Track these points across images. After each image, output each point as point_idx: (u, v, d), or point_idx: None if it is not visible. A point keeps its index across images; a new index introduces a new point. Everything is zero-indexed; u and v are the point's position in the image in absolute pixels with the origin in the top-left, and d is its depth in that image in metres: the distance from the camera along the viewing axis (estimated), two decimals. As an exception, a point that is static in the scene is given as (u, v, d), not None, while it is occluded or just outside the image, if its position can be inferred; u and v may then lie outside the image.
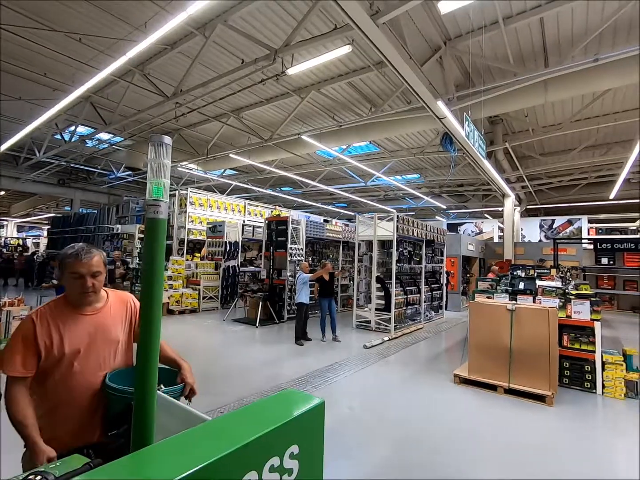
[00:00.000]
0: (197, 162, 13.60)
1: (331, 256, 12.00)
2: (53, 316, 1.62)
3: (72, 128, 11.19)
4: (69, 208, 19.72)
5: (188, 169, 13.97)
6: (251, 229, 12.61)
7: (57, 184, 17.87)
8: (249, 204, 15.52)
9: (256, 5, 6.03)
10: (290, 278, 9.71)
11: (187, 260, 12.05)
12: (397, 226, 8.70)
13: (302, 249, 10.12)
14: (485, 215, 22.00)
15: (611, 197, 14.65)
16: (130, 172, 15.80)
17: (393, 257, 8.53)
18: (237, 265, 11.55)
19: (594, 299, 5.11)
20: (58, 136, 12.09)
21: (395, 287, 8.75)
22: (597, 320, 4.94)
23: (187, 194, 13.37)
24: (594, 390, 4.88)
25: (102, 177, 17.58)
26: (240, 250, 11.86)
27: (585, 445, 3.58)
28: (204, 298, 10.91)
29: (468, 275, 15.17)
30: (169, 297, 9.96)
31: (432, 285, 11.08)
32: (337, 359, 6.25)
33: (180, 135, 12.31)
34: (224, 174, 16.33)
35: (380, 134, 9.95)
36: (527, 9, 6.02)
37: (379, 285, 8.67)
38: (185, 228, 13.10)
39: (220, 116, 10.67)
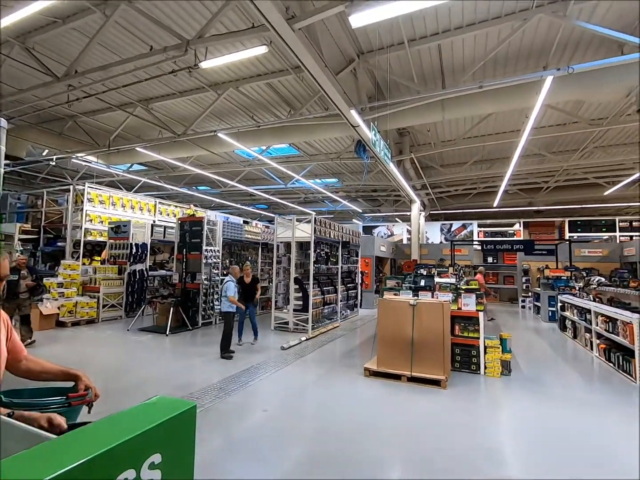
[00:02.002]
0: (97, 154, 12.12)
1: (250, 258, 11.77)
2: None
3: None
4: None
5: (85, 161, 12.37)
6: (162, 229, 11.69)
7: None
8: (160, 202, 14.37)
9: (166, -11, 5.64)
10: (205, 282, 9.26)
11: (83, 264, 10.66)
12: (315, 228, 8.93)
13: (218, 250, 9.73)
14: (396, 219, 23.86)
15: (494, 205, 17.14)
16: (8, 162, 13.37)
17: (311, 259, 8.73)
18: (145, 269, 10.60)
19: (479, 292, 5.91)
20: None
21: (313, 288, 8.96)
22: (481, 310, 5.73)
23: (84, 189, 11.82)
24: (478, 372, 5.64)
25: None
26: (148, 253, 10.90)
27: (471, 419, 4.10)
28: (104, 306, 9.76)
29: (381, 275, 16.26)
30: (59, 308, 8.66)
31: (348, 285, 11.62)
32: (253, 362, 6.14)
33: (76, 122, 10.86)
34: (130, 169, 14.86)
35: (299, 137, 10.10)
36: (428, 34, 6.72)
37: (297, 286, 8.78)
38: (81, 228, 11.56)
39: (126, 105, 9.70)
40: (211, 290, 9.45)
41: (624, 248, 15.83)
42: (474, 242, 18.85)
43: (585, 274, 11.29)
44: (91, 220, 11.90)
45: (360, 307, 12.88)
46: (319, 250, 9.40)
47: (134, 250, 10.44)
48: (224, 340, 6.55)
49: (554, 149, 12.20)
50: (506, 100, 7.59)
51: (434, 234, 22.57)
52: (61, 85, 7.37)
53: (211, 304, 9.43)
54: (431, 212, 20.03)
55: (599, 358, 6.86)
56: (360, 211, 21.15)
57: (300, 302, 8.81)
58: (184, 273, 9.26)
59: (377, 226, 24.99)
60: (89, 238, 11.91)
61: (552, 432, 3.82)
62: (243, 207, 22.17)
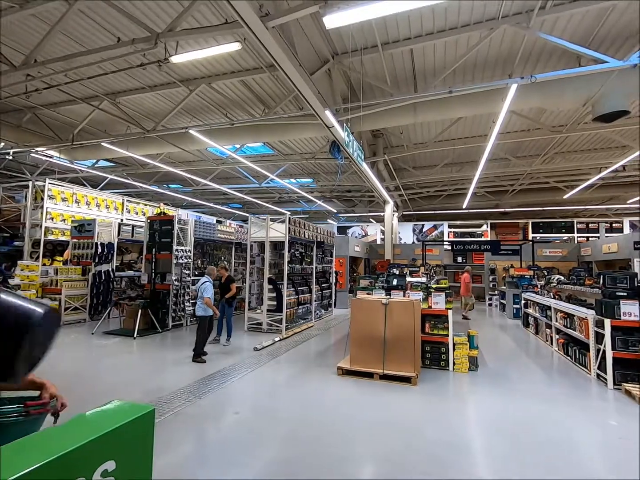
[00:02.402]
0: (59, 148, 11.51)
1: (223, 258, 11.56)
2: None
3: None
4: None
5: (46, 155, 11.71)
6: (130, 228, 11.26)
7: None
8: (128, 200, 13.82)
9: (134, -20, 5.44)
10: (176, 282, 9.00)
11: (44, 265, 10.08)
12: (289, 228, 8.89)
13: (189, 250, 9.49)
14: (370, 219, 24.21)
15: (464, 206, 17.74)
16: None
17: (285, 258, 8.69)
18: (112, 269, 10.16)
19: (448, 291, 6.10)
20: None
21: (287, 288, 8.92)
22: (450, 309, 5.92)
23: (44, 185, 11.18)
24: (448, 368, 5.82)
25: None
26: (115, 253, 10.46)
27: (440, 414, 4.23)
28: (66, 309, 9.27)
29: (355, 275, 16.42)
30: (16, 311, 8.14)
31: (323, 285, 11.66)
32: (225, 364, 6.03)
33: (36, 115, 10.26)
34: (96, 165, 14.21)
35: (274, 136, 10.03)
36: (400, 38, 6.86)
37: (271, 287, 8.71)
38: (41, 227, 10.92)
39: (91, 98, 9.26)
40: (182, 292, 9.20)
41: (581, 248, 16.84)
42: (445, 243, 19.43)
43: (546, 273, 11.91)
44: (52, 219, 11.27)
45: (335, 306, 12.96)
46: (293, 250, 9.37)
47: (99, 250, 9.99)
48: (197, 345, 6.23)
49: (518, 153, 12.78)
50: (474, 106, 7.87)
51: (406, 234, 23.07)
52: (19, 74, 6.93)
53: (182, 306, 9.18)
54: (404, 212, 20.46)
55: (558, 352, 7.26)
56: (335, 211, 21.28)
57: (274, 303, 8.75)
58: (153, 274, 8.96)
59: (352, 226, 25.24)
60: (50, 237, 11.28)
61: (515, 424, 4.00)
62: (216, 206, 21.76)
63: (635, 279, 5.42)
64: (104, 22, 6.42)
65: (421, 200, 19.32)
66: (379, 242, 22.87)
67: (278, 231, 8.91)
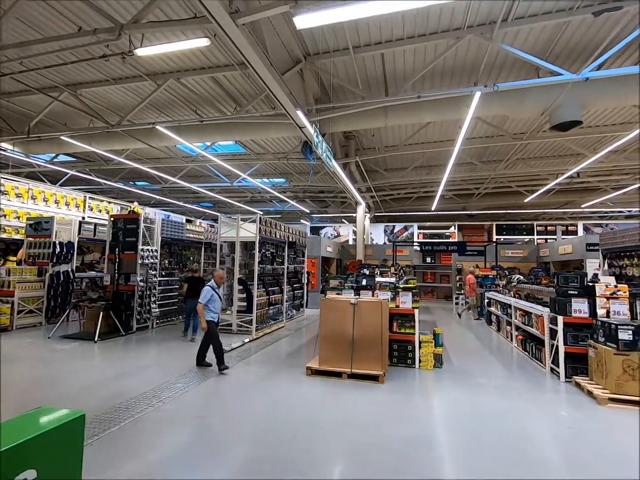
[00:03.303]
0: (13, 141, 10.80)
1: (192, 258, 11.27)
2: None
3: None
4: None
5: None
6: (92, 227, 10.74)
7: None
8: (90, 197, 13.17)
9: (96, -33, 5.20)
10: (142, 283, 8.68)
11: (-6, 265, 9.42)
12: (260, 228, 8.81)
13: (156, 250, 9.18)
14: (343, 220, 24.43)
15: (432, 208, 18.27)
16: None
17: (255, 259, 8.60)
18: (71, 270, 9.65)
19: (415, 290, 6.27)
20: None
21: (258, 288, 8.83)
22: (417, 308, 6.08)
23: (-4, 180, 10.45)
24: (414, 365, 5.98)
25: None
26: (75, 253, 9.94)
27: (406, 410, 4.33)
28: (19, 312, 8.70)
29: (327, 275, 16.49)
30: (-39, 314, 7.56)
31: (294, 285, 11.64)
32: (191, 366, 5.88)
33: (-14, 104, 9.57)
34: (55, 160, 13.44)
35: (245, 135, 9.90)
36: (372, 42, 6.97)
37: (241, 287, 8.59)
38: (-8, 224, 10.20)
39: (50, 89, 8.76)
40: (148, 293, 8.88)
41: (540, 249, 17.81)
42: (414, 243, 19.93)
43: (507, 273, 12.49)
44: (5, 216, 10.55)
45: (306, 307, 12.97)
46: (264, 251, 9.30)
47: (57, 250, 9.45)
48: (215, 351, 5.68)
49: (483, 158, 13.33)
50: (442, 111, 8.13)
51: (378, 235, 23.47)
52: (-34, 60, 6.46)
53: (148, 307, 8.87)
54: (376, 214, 20.80)
55: (517, 348, 7.63)
56: (308, 212, 21.30)
57: (245, 303, 8.64)
58: (116, 274, 8.59)
59: (324, 227, 25.37)
60: (3, 235, 10.55)
61: (475, 418, 4.17)
62: (186, 205, 21.19)
63: (585, 279, 5.81)
64: (63, 9, 6.09)
65: (392, 201, 19.71)
66: (351, 242, 23.13)
67: (249, 231, 8.80)
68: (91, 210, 13.01)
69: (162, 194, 19.02)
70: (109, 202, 13.90)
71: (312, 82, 8.04)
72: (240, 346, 7.42)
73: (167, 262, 10.13)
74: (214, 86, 8.63)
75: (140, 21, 5.38)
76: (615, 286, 5.39)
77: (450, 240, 22.21)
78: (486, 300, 10.94)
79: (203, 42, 5.61)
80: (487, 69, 7.72)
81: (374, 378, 5.20)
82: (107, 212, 13.28)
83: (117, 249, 8.69)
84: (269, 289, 9.62)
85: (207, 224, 19.12)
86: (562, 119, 7.30)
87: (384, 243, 22.50)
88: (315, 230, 24.99)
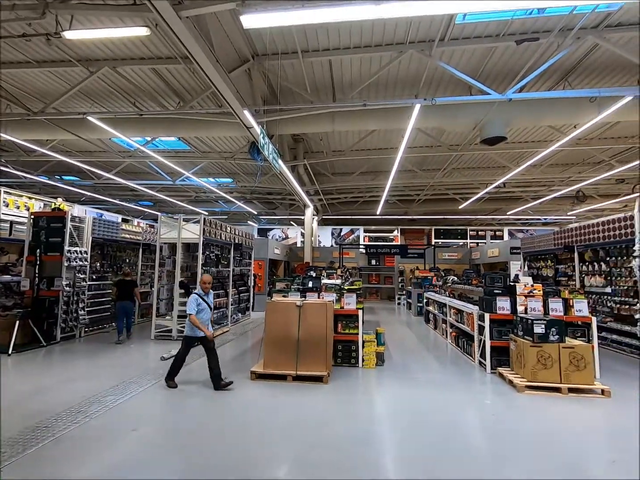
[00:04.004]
0: None
1: (128, 260, 10.50)
2: None
3: None
4: None
5: None
6: (8, 225, 9.54)
7: None
8: (6, 192, 11.67)
9: None
10: (68, 288, 7.89)
11: None
12: (204, 229, 8.49)
13: (86, 252, 8.40)
14: (291, 222, 24.42)
15: (377, 212, 19.01)
16: None
17: (199, 261, 8.26)
18: (-19, 273, 8.48)
19: (359, 292, 6.46)
20: None
21: (201, 292, 8.48)
22: (361, 308, 6.28)
23: None
24: (357, 364, 6.16)
25: None
26: (-14, 254, 8.76)
27: (349, 408, 4.44)
28: None
29: (274, 277, 16.35)
30: None
31: (240, 288, 11.38)
32: (125, 377, 5.47)
33: None
34: (-39, 148, 11.73)
35: (190, 132, 9.50)
36: (320, 49, 7.09)
37: (182, 291, 8.18)
38: None
39: (-46, 66, 7.64)
40: (75, 298, 8.10)
41: (472, 252, 19.37)
42: (360, 246, 20.56)
43: (443, 274, 13.40)
44: None
45: (253, 310, 12.75)
46: (208, 253, 8.97)
47: (-38, 251, 8.25)
48: (176, 364, 5.16)
49: (423, 166, 14.19)
50: (386, 120, 8.51)
51: (325, 237, 23.83)
52: None
53: (75, 314, 8.08)
54: (323, 216, 21.11)
55: (451, 344, 8.22)
56: (256, 213, 20.97)
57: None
58: (37, 278, 7.72)
59: (273, 229, 25.16)
60: None
61: (414, 411, 4.40)
62: (122, 203, 19.72)
63: (508, 279, 6.44)
64: (-26, -22, 5.37)
65: (340, 205, 20.15)
66: (299, 245, 23.20)
67: (192, 232, 8.44)
68: (7, 206, 11.53)
69: (95, 191, 17.49)
70: (30, 198, 12.44)
71: (261, 82, 7.96)
72: (181, 353, 7.06)
73: (98, 264, 9.33)
74: (155, 78, 8.17)
75: (69, 1, 4.93)
76: (532, 285, 6.05)
77: (394, 243, 23.27)
78: (425, 300, 11.62)
79: (142, 32, 5.30)
80: (427, 83, 8.24)
81: (318, 379, 5.26)
82: (28, 209, 11.87)
83: (38, 250, 7.81)
84: (214, 292, 9.28)
85: (147, 223, 17.97)
86: (489, 134, 8.05)
87: (332, 245, 22.90)
88: (263, 232, 24.67)
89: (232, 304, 10.31)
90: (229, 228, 10.13)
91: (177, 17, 4.44)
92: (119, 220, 13.45)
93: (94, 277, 8.99)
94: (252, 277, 12.61)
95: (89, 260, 8.46)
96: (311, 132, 10.71)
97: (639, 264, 6.94)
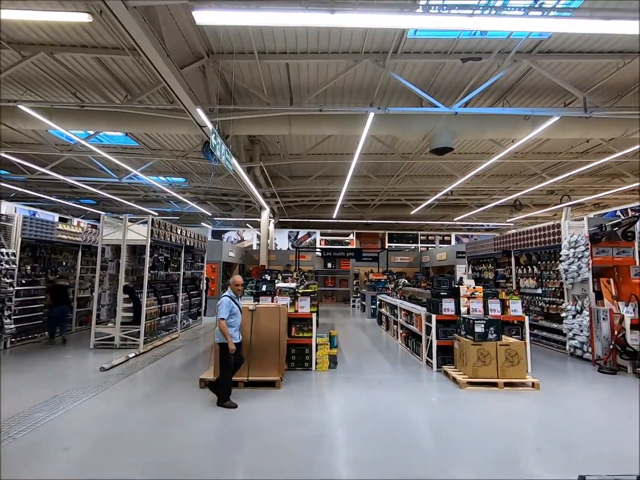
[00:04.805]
0: None
1: (65, 263, 9.66)
2: None
3: None
4: None
5: None
6: None
7: None
8: None
9: None
10: (-9, 294, 7.09)
11: None
12: (153, 230, 8.06)
13: (13, 254, 7.60)
14: (247, 224, 23.98)
15: (334, 216, 19.28)
16: None
17: (146, 264, 7.81)
18: None
19: (314, 295, 6.50)
20: None
21: (149, 297, 8.04)
22: (315, 312, 6.31)
23: None
24: (311, 368, 6.18)
25: None
26: None
27: (301, 412, 4.43)
28: None
29: (228, 281, 15.92)
30: None
31: (191, 292, 10.94)
32: (58, 391, 5.01)
33: None
34: None
35: (138, 127, 8.98)
36: (277, 51, 7.07)
37: (127, 296, 7.69)
38: None
39: None
40: (0, 306, 7.28)
41: (422, 256, 20.30)
42: (317, 249, 20.70)
43: (395, 277, 13.90)
44: None
45: (205, 315, 12.31)
46: (156, 255, 8.52)
47: None
48: (222, 384, 4.67)
49: (378, 173, 14.64)
50: (342, 126, 8.68)
51: (282, 240, 23.70)
52: None
53: (-1, 323, 7.27)
54: (280, 219, 20.98)
55: (401, 345, 8.52)
56: (210, 215, 20.32)
57: (131, 314, 7.76)
58: (-47, 283, 6.85)
59: (228, 231, 24.54)
60: None
61: (365, 411, 4.50)
62: (60, 200, 18.12)
63: (453, 282, 6.83)
64: None
65: (297, 208, 20.15)
66: (255, 247, 22.85)
67: (139, 233, 7.97)
68: None
69: (27, 187, 15.90)
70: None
71: (216, 81, 7.75)
72: (124, 362, 6.63)
73: (29, 268, 8.48)
74: (99, 69, 7.63)
75: (-2, -23, 4.47)
76: (474, 288, 6.47)
77: (349, 246, 23.72)
78: (378, 303, 11.96)
79: (84, 18, 4.93)
80: (382, 92, 8.53)
81: (271, 384, 5.19)
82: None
83: (-46, 252, 6.94)
84: (162, 297, 8.84)
85: (88, 223, 16.73)
86: (438, 144, 8.51)
87: (288, 249, 22.82)
88: (217, 234, 23.96)
89: (182, 309, 9.88)
90: (179, 230, 9.71)
91: (124, 7, 4.19)
92: (56, 219, 12.36)
93: (24, 281, 8.17)
94: (205, 281, 12.17)
95: (17, 263, 7.66)
96: (268, 135, 10.64)
97: (564, 267, 7.70)
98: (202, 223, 23.97)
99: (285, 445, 3.60)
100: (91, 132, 10.03)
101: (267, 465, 3.21)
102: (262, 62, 7.27)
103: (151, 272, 8.11)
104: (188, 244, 10.18)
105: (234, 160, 8.69)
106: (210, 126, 7.22)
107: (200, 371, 5.88)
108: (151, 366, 6.54)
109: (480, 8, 4.96)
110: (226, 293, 4.91)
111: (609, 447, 3.62)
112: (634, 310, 6.41)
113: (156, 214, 19.40)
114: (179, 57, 6.47)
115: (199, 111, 6.81)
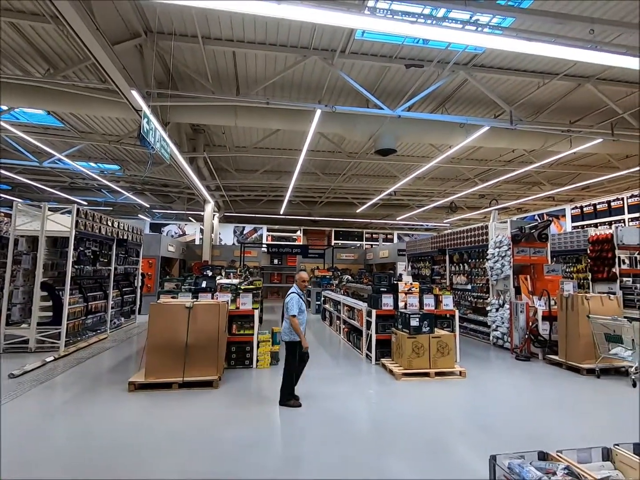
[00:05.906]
0: None
1: (-32, 256, 8.40)
2: None
3: None
4: None
5: None
6: None
7: None
8: None
9: None
10: None
11: None
12: (78, 221, 7.32)
13: None
14: (190, 218, 22.86)
15: (281, 212, 19.13)
16: None
17: (69, 258, 7.07)
18: None
19: (257, 291, 6.37)
20: None
21: (72, 294, 7.31)
22: (257, 308, 6.20)
23: None
24: (251, 365, 6.07)
25: None
26: None
27: (237, 411, 4.31)
28: None
29: (166, 277, 15.07)
30: None
31: (124, 289, 10.15)
32: (-47, 403, 4.35)
33: None
34: None
35: (63, 106, 8.06)
36: (222, 38, 6.77)
37: (45, 294, 6.90)
38: None
39: None
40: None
41: (367, 253, 20.98)
42: (263, 245, 20.40)
43: (340, 274, 14.20)
44: None
45: (139, 313, 11.50)
46: (82, 249, 7.76)
47: None
48: (283, 384, 4.65)
49: (326, 170, 14.79)
50: (289, 121, 8.59)
51: (227, 235, 22.99)
52: None
53: None
54: (225, 214, 20.31)
55: (344, 340, 8.72)
56: (148, 206, 19.02)
57: (50, 313, 6.98)
58: None
59: (168, 224, 23.20)
60: None
61: (305, 406, 4.51)
62: (-35, 184, 15.74)
63: (392, 278, 7.13)
64: None
65: (243, 202, 19.64)
66: (197, 242, 21.88)
67: (61, 224, 7.18)
68: None
69: None
70: None
71: (156, 64, 7.20)
72: (40, 367, 5.94)
73: None
74: (15, 36, 6.72)
75: None
76: (411, 284, 6.81)
77: (296, 243, 23.72)
78: (322, 298, 12.11)
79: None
80: (330, 90, 8.59)
81: (208, 384, 5.00)
82: None
83: None
84: (88, 294, 8.07)
85: (1, 212, 14.73)
86: (382, 145, 8.80)
87: (233, 244, 22.19)
88: (156, 228, 22.54)
89: (112, 308, 9.12)
90: (111, 221, 8.94)
91: (42, -34, 3.70)
92: (-43, 205, 10.70)
93: None
94: (140, 277, 11.37)
95: None
96: (213, 125, 10.21)
97: (490, 265, 8.42)
98: (139, 215, 22.36)
99: (219, 447, 3.48)
100: (4, 108, 8.81)
101: (198, 469, 3.08)
102: (206, 48, 6.93)
103: (76, 267, 7.37)
104: (121, 236, 9.41)
105: (173, 149, 8.20)
106: (147, 111, 6.70)
107: (129, 374, 5.47)
108: (74, 370, 5.95)
109: (423, 17, 5.20)
110: (292, 290, 4.82)
111: (521, 427, 4.03)
112: (545, 303, 7.21)
113: (85, 203, 17.69)
114: (113, 33, 5.92)
115: (134, 93, 6.29)
